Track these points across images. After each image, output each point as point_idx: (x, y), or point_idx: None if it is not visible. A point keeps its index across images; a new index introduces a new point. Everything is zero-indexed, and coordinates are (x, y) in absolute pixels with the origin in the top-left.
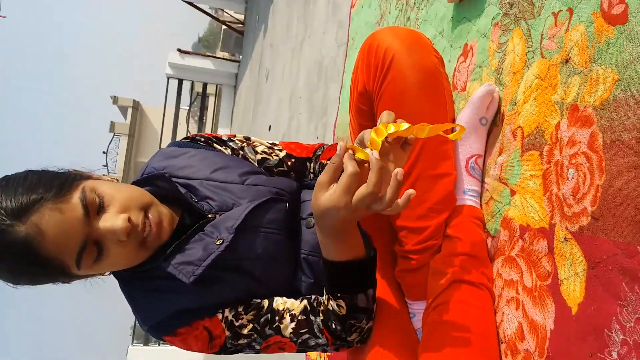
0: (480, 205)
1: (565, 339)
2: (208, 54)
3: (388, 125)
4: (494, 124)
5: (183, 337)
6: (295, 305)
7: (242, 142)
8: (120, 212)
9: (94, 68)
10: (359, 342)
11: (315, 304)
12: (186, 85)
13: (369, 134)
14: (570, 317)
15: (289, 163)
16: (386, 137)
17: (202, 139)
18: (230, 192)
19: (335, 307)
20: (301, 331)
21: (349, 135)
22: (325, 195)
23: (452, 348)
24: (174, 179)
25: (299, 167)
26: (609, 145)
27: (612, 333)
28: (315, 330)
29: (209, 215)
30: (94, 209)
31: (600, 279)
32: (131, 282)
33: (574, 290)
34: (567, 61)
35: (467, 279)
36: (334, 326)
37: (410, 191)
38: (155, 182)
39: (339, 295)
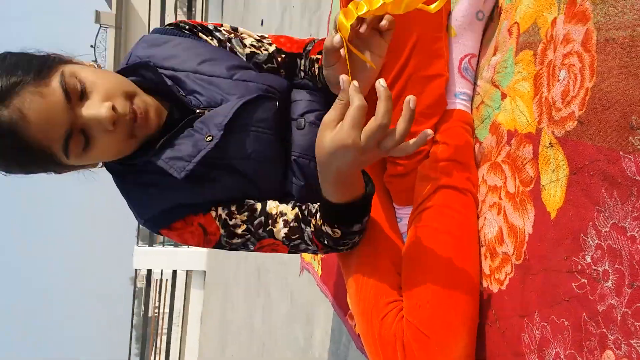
0: (471, 109)
1: (542, 242)
2: None
3: (359, 4)
4: (490, 19)
5: (179, 232)
6: (288, 210)
7: (229, 32)
8: (104, 100)
9: None
10: (348, 249)
11: (306, 213)
12: None
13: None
14: (549, 222)
15: (279, 59)
16: (359, 20)
17: (187, 27)
18: (218, 87)
19: (330, 232)
20: (293, 237)
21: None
22: (332, 134)
23: (434, 251)
24: (160, 69)
25: (289, 64)
26: (602, 45)
27: (587, 238)
28: (306, 238)
29: (197, 111)
30: (76, 94)
31: (580, 185)
32: (124, 176)
33: (554, 195)
34: None
35: (453, 185)
36: (326, 242)
37: (428, 131)
38: (140, 71)
39: (335, 225)
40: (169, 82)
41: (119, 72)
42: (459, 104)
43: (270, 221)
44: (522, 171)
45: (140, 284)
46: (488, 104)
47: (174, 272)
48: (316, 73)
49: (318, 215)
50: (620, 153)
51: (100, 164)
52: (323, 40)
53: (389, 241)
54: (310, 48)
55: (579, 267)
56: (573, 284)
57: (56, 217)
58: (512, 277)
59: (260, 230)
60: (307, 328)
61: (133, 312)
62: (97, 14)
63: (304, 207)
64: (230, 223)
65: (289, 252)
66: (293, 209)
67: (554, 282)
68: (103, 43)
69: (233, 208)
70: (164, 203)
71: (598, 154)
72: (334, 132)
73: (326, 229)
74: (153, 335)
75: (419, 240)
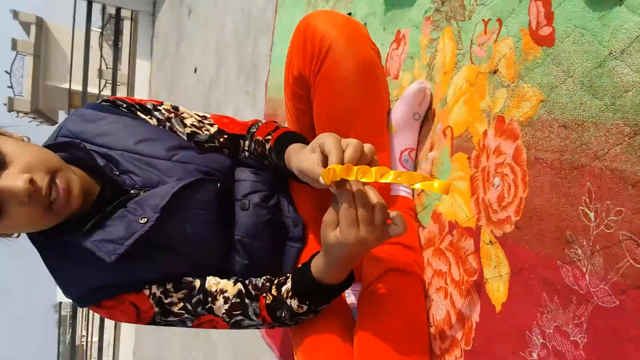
0: (413, 196)
1: (490, 333)
2: None
3: (368, 172)
4: (426, 118)
5: (109, 310)
6: (229, 287)
7: (170, 112)
8: (22, 172)
9: None
10: (294, 325)
11: (251, 289)
12: (96, 7)
13: (330, 141)
14: (495, 315)
15: (221, 139)
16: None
17: (125, 105)
18: (156, 168)
19: (295, 307)
20: (234, 313)
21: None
22: (334, 233)
23: (385, 331)
24: (91, 146)
25: (232, 144)
26: (532, 162)
27: (532, 335)
28: (250, 313)
29: (132, 192)
30: None
31: (522, 285)
32: (49, 250)
33: (498, 290)
34: (495, 72)
35: (400, 268)
36: (283, 315)
37: (393, 213)
38: (69, 149)
39: (307, 302)
40: (101, 162)
41: (47, 146)
42: (402, 191)
43: (209, 299)
44: (466, 262)
45: (65, 312)
46: (428, 193)
47: None
48: (267, 153)
49: (284, 289)
50: (558, 262)
51: (16, 234)
52: (269, 123)
53: (340, 316)
54: (255, 130)
55: None
56: None
57: None
58: None
59: (199, 309)
60: None
61: (59, 340)
62: (14, 41)
63: (247, 282)
64: (166, 302)
65: (230, 328)
66: (235, 284)
67: None
68: (20, 70)
69: (169, 286)
70: (92, 282)
71: (536, 259)
72: (336, 231)
73: (292, 302)
74: None
75: (370, 323)
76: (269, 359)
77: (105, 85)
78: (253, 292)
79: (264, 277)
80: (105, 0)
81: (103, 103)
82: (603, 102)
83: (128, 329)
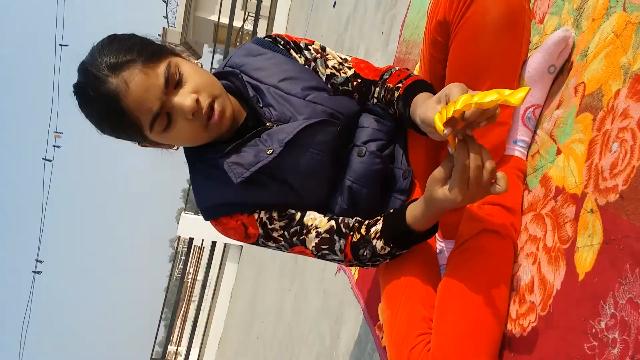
0: (527, 156)
1: (567, 300)
2: None
3: (448, 107)
4: (560, 72)
5: (224, 227)
6: (323, 222)
7: (317, 52)
8: (192, 92)
9: None
10: (372, 266)
11: (342, 226)
12: None
13: (457, 91)
14: (576, 283)
15: (355, 83)
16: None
17: (282, 42)
18: (291, 104)
19: (379, 247)
20: (322, 247)
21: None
22: (443, 190)
23: (467, 293)
24: (248, 78)
25: (363, 88)
26: None
27: (605, 305)
28: (336, 249)
29: (268, 124)
30: (173, 82)
31: (610, 255)
32: (195, 164)
33: (585, 259)
34: None
35: (496, 229)
36: (365, 254)
37: (500, 174)
38: (230, 78)
39: (391, 244)
40: (251, 94)
41: (215, 73)
42: (517, 150)
43: (304, 231)
44: (562, 229)
45: (180, 248)
46: (543, 155)
47: (213, 243)
48: (394, 101)
49: (373, 229)
50: None
51: (176, 147)
52: (402, 70)
53: (427, 272)
54: (388, 77)
55: (594, 331)
56: (585, 345)
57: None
58: (535, 325)
59: (295, 239)
60: (335, 327)
61: (171, 274)
62: None
63: (340, 221)
64: (269, 227)
65: (317, 257)
66: (329, 221)
67: (569, 339)
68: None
69: (274, 214)
70: (218, 198)
71: (630, 230)
72: (445, 189)
73: (377, 242)
74: (183, 302)
75: (456, 280)
76: (354, 311)
77: (247, 18)
78: (344, 229)
79: (356, 218)
80: None
81: (266, 39)
82: None
83: (231, 271)
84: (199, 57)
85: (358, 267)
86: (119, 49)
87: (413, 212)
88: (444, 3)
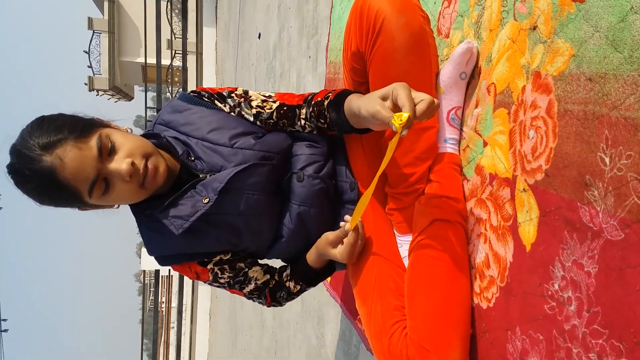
0: (459, 151)
1: (520, 270)
2: None
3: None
4: (472, 77)
5: (178, 270)
6: (260, 276)
7: (240, 97)
8: (126, 157)
9: None
10: (281, 305)
11: (273, 281)
12: None
13: (402, 92)
14: (525, 253)
15: (281, 112)
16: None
17: (206, 95)
18: (220, 155)
19: (292, 287)
20: (255, 292)
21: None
22: (333, 250)
23: (432, 277)
24: (177, 133)
25: (289, 113)
26: (562, 114)
27: (555, 269)
28: (262, 295)
29: (201, 175)
30: (106, 150)
31: (549, 226)
32: (140, 218)
33: (528, 232)
34: (534, 28)
35: (445, 218)
36: (282, 295)
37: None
38: (158, 138)
39: (300, 283)
40: (180, 150)
41: (144, 134)
42: (449, 147)
43: (247, 282)
44: (503, 209)
45: (148, 280)
46: (472, 148)
47: None
48: (324, 111)
49: (284, 274)
50: (578, 204)
51: (116, 205)
52: (324, 90)
53: (392, 267)
54: (312, 97)
55: (549, 293)
56: (545, 306)
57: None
58: (498, 296)
59: (237, 286)
60: (318, 327)
61: (143, 306)
62: (90, 20)
63: (275, 275)
64: (219, 277)
65: (245, 298)
66: (264, 275)
67: (530, 303)
68: (97, 48)
69: (226, 266)
70: (165, 250)
71: (561, 202)
72: (336, 250)
73: (290, 284)
74: (162, 330)
75: (419, 268)
76: (333, 310)
77: (175, 55)
78: (271, 281)
79: (287, 272)
80: None
81: (191, 94)
82: (623, 55)
83: (205, 294)
84: (130, 98)
85: None
86: (49, 129)
87: (310, 257)
88: (354, 36)
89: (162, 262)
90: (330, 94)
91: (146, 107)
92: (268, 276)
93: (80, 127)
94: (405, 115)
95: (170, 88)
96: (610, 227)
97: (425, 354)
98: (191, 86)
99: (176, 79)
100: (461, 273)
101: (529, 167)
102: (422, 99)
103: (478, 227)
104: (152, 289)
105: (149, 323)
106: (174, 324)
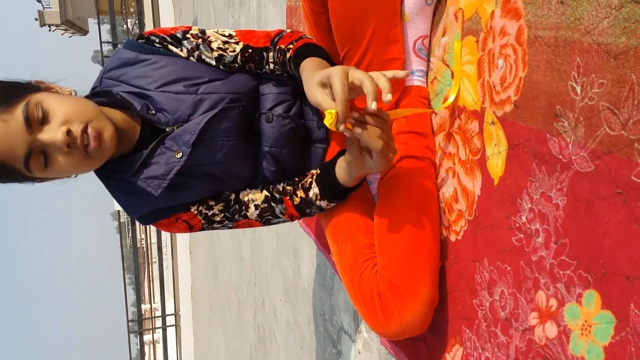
0: (427, 83)
1: (488, 203)
2: None
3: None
4: (439, 2)
5: (166, 226)
6: (257, 195)
7: (197, 37)
8: (61, 125)
9: None
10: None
11: (275, 193)
12: None
13: (337, 78)
14: (493, 187)
15: (247, 55)
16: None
17: (157, 40)
18: (184, 103)
19: (324, 205)
20: (264, 215)
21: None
22: (366, 163)
23: (400, 214)
24: (131, 87)
25: (256, 57)
26: (532, 41)
27: (522, 202)
28: (277, 213)
29: (167, 129)
30: (36, 121)
31: (517, 158)
32: (110, 184)
33: (496, 165)
34: None
35: (413, 154)
36: (312, 211)
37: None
38: (108, 95)
39: (335, 201)
40: (138, 105)
41: (91, 92)
42: (416, 80)
43: (243, 207)
44: (471, 142)
45: (124, 218)
46: (440, 80)
47: None
48: (287, 62)
49: (312, 193)
50: (547, 135)
51: (73, 175)
52: (294, 32)
53: (362, 204)
54: (278, 39)
55: (517, 225)
56: (513, 238)
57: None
58: (466, 229)
59: (236, 216)
60: (294, 261)
61: (121, 244)
62: None
63: (272, 189)
64: (209, 214)
65: (263, 225)
66: (262, 192)
67: (498, 235)
68: None
69: (211, 202)
70: (147, 207)
71: (530, 134)
72: (366, 163)
73: (322, 203)
74: (144, 265)
75: (388, 205)
76: (307, 245)
77: None
78: (277, 195)
79: (286, 182)
80: None
81: (139, 41)
82: None
83: None
84: (85, 32)
85: None
86: None
87: (343, 176)
88: None
89: (146, 221)
90: (292, 45)
91: (101, 42)
92: (266, 192)
93: (4, 95)
94: (333, 111)
95: (125, 19)
96: (580, 159)
97: (395, 289)
98: (147, 17)
99: (132, 10)
100: (430, 208)
101: (498, 99)
102: (360, 79)
103: (447, 162)
104: (129, 227)
105: (129, 259)
106: (155, 259)
